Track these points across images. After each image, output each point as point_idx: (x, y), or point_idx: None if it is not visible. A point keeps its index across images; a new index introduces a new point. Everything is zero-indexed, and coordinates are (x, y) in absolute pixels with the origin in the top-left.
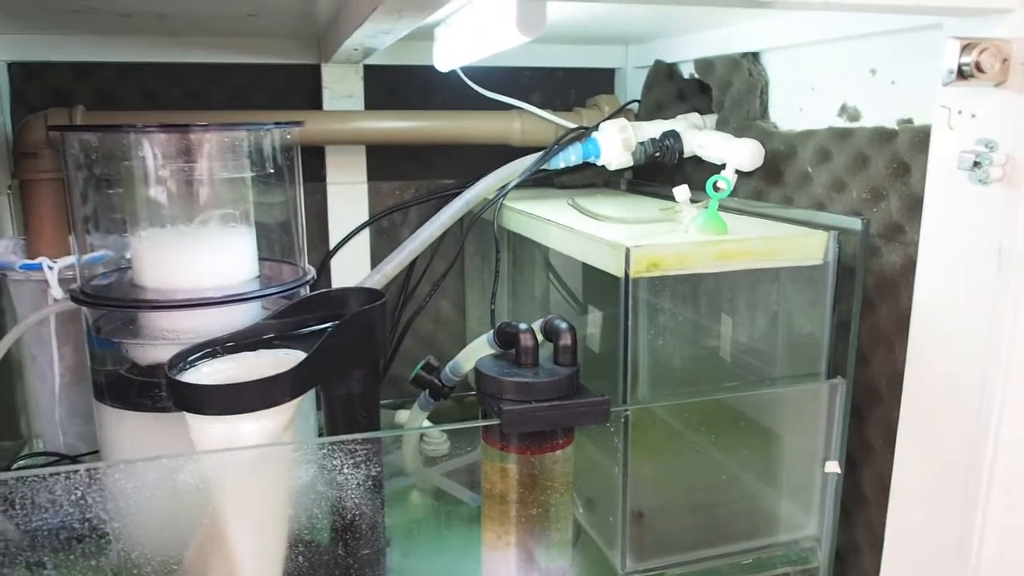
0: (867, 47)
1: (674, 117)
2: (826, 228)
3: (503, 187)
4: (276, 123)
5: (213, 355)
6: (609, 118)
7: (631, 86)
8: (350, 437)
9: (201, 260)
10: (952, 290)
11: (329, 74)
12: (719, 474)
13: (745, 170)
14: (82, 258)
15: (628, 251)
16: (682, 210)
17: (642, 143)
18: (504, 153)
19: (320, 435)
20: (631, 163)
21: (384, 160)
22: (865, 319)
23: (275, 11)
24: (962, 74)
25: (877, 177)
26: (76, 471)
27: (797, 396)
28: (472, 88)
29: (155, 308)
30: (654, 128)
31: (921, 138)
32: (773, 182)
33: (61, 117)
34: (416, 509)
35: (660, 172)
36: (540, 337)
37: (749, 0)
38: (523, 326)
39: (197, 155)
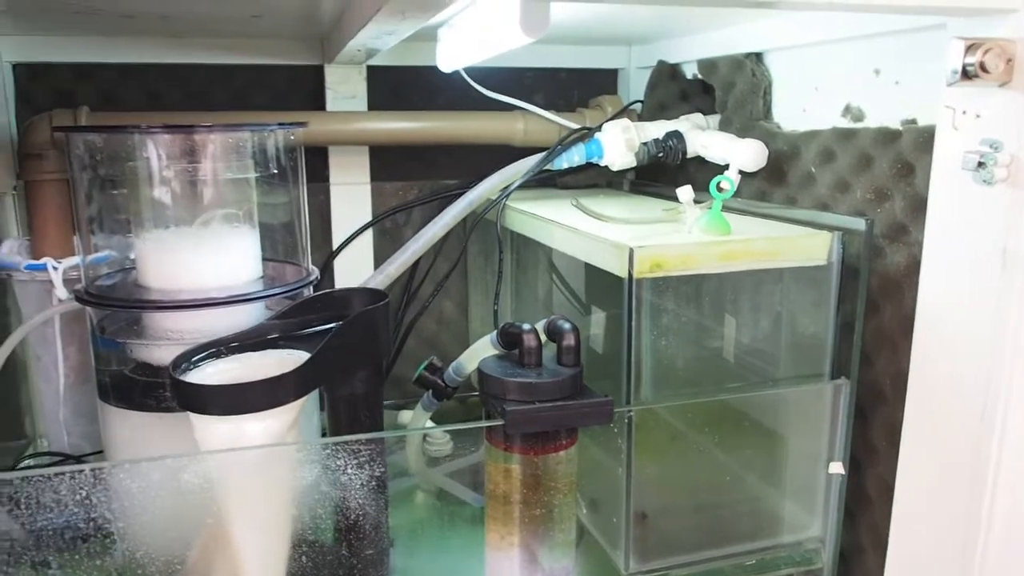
0: (871, 47)
1: (677, 117)
2: (830, 229)
3: (506, 187)
4: (280, 124)
5: (217, 355)
6: (612, 119)
7: (634, 87)
8: (354, 437)
9: (205, 260)
10: (956, 290)
11: (332, 75)
12: (723, 475)
13: (748, 171)
14: (86, 258)
15: (632, 251)
16: (685, 211)
17: (645, 144)
18: (507, 154)
19: (323, 435)
20: (634, 163)
21: (387, 161)
22: (869, 320)
23: (279, 12)
24: (966, 74)
25: (881, 177)
26: (81, 471)
27: (801, 397)
28: (475, 89)
29: (159, 308)
30: (657, 128)
31: (925, 138)
32: (777, 183)
33: (65, 118)
34: (419, 510)
35: (663, 173)
36: (543, 338)
37: (753, 0)
38: (527, 326)
39: (201, 156)
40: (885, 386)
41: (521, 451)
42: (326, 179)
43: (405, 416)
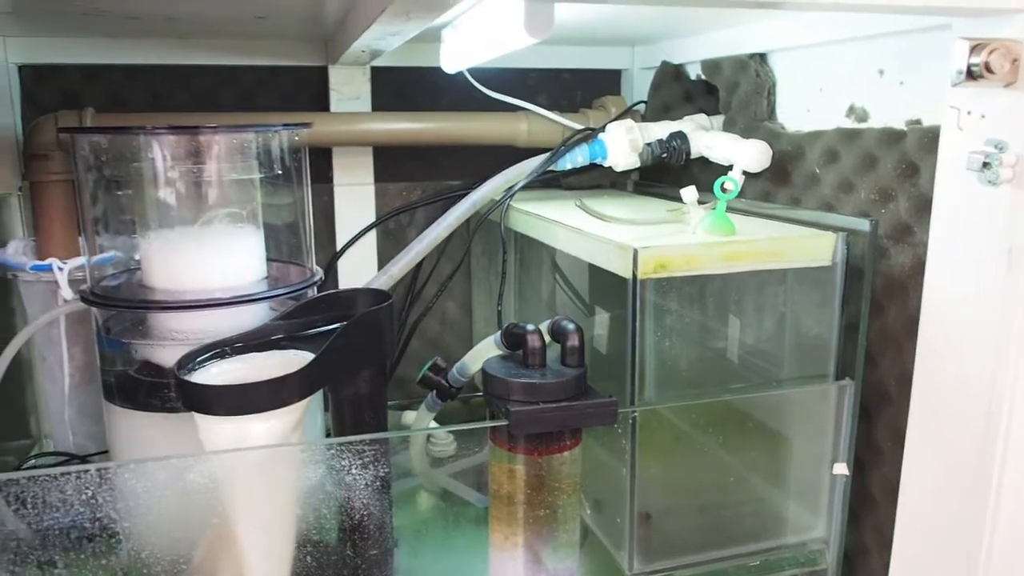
0: (875, 48)
1: (681, 118)
2: (834, 229)
3: (510, 188)
4: (284, 124)
5: (222, 356)
6: (616, 119)
7: (638, 87)
8: (358, 438)
9: (210, 261)
10: (961, 291)
11: (336, 76)
12: (727, 476)
13: (752, 171)
14: (92, 259)
15: (636, 252)
16: (689, 211)
17: (649, 144)
18: (511, 154)
19: (328, 436)
20: (638, 164)
21: (391, 161)
22: (874, 320)
23: (283, 13)
24: (971, 75)
25: (886, 178)
26: (87, 471)
27: (805, 397)
28: (479, 89)
29: (164, 309)
30: (661, 129)
31: (930, 139)
32: (781, 183)
33: (71, 119)
34: (423, 510)
35: (667, 173)
36: (547, 338)
37: (757, 0)
38: (531, 327)
39: (206, 156)
40: (890, 387)
41: (525, 451)
42: (330, 180)
43: (409, 417)
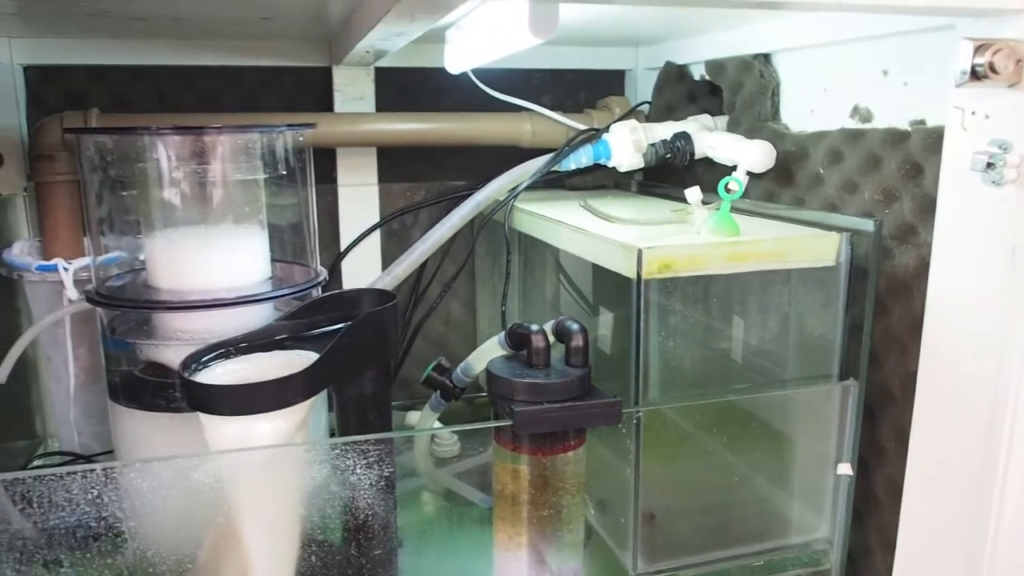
0: (879, 48)
1: (685, 119)
2: (838, 229)
3: (514, 189)
4: (289, 125)
5: (227, 356)
6: (620, 120)
7: (642, 88)
8: (362, 437)
9: (214, 261)
10: (966, 291)
11: (340, 76)
12: (731, 476)
13: (756, 171)
14: (97, 259)
15: (640, 252)
16: (694, 211)
17: (653, 145)
18: (515, 155)
19: (332, 436)
20: (642, 165)
21: (395, 162)
22: (878, 321)
23: (288, 14)
24: (975, 75)
25: (890, 178)
26: (92, 470)
27: (809, 398)
28: (483, 90)
29: (169, 309)
30: (665, 130)
31: (934, 139)
32: (785, 184)
33: (76, 120)
34: (427, 510)
35: (671, 174)
36: (552, 338)
37: (762, 1)
38: (535, 327)
39: (210, 157)
40: (894, 387)
41: (529, 452)
42: (334, 180)
43: (413, 417)
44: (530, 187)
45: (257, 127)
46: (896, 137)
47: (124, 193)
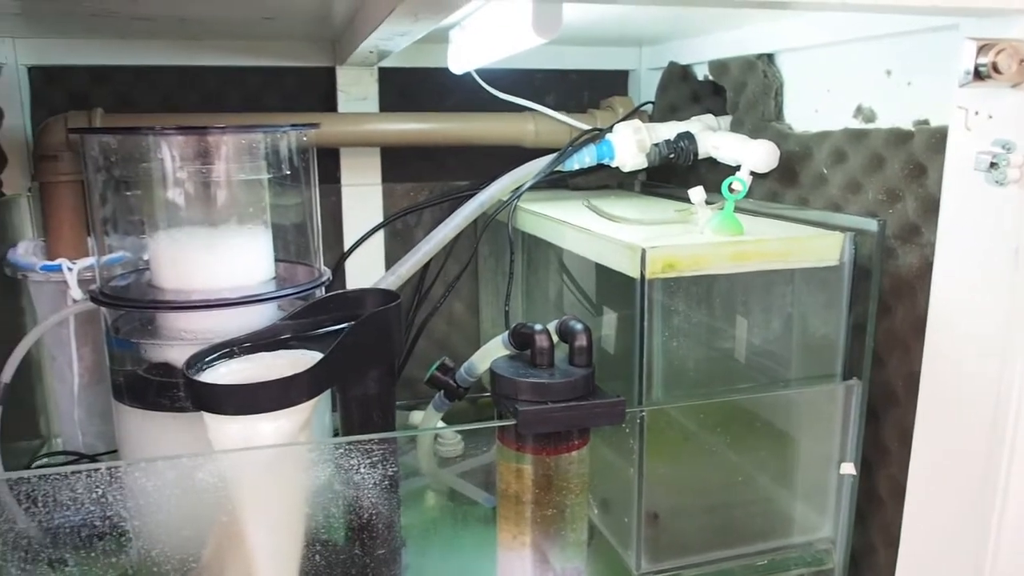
0: (883, 48)
1: (688, 119)
2: (842, 229)
3: (517, 189)
4: (292, 125)
5: (230, 355)
6: (623, 120)
7: (645, 88)
8: (366, 437)
9: (218, 261)
10: (969, 291)
11: (344, 76)
12: (734, 475)
13: (760, 171)
14: (101, 259)
15: (644, 252)
16: (697, 211)
17: (656, 145)
18: (518, 155)
19: (336, 435)
20: (645, 165)
21: (398, 162)
22: (881, 320)
23: (292, 14)
24: (979, 75)
25: (893, 178)
26: (97, 470)
27: (813, 398)
28: (486, 90)
29: (173, 309)
30: (668, 130)
31: (937, 139)
32: (788, 183)
33: (80, 120)
34: (431, 509)
35: (674, 174)
36: (555, 338)
37: (766, 1)
38: (539, 327)
39: (214, 157)
40: (897, 387)
41: (533, 451)
42: (338, 180)
43: (417, 417)
44: (533, 187)
45: (261, 127)
46: (899, 137)
47: (128, 193)
